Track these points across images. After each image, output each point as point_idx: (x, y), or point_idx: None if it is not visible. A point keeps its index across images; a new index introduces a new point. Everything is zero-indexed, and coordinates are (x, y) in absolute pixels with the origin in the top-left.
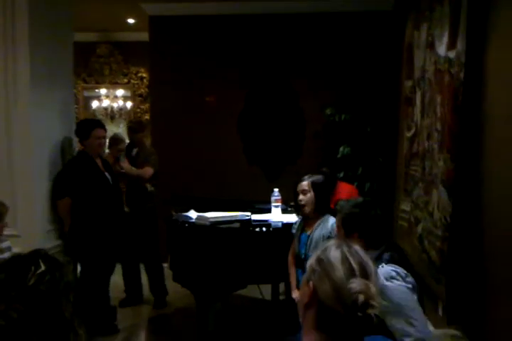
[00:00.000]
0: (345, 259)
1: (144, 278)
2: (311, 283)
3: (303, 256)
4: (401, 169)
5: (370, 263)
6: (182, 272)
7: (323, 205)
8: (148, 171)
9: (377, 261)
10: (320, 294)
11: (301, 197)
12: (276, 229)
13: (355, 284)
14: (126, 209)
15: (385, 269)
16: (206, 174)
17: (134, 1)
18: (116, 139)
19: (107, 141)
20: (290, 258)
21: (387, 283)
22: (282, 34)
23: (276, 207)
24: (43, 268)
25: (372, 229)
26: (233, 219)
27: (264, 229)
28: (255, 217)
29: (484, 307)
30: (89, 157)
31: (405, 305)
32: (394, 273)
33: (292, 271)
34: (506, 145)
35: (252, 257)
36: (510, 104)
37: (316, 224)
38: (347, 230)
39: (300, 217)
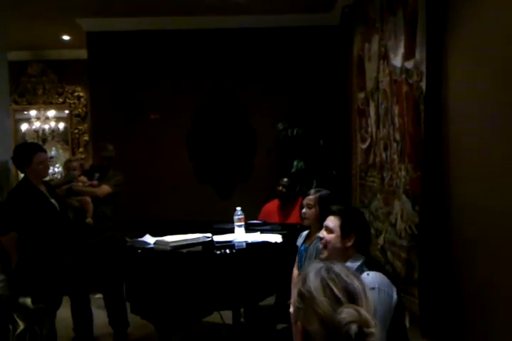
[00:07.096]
0: (326, 287)
1: (97, 312)
2: (298, 323)
3: (301, 268)
4: (355, 181)
5: (356, 282)
6: (141, 303)
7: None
8: (103, 189)
9: (359, 269)
10: (311, 334)
11: (305, 210)
12: (240, 250)
13: (344, 314)
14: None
15: (371, 280)
16: (155, 195)
17: (69, 17)
18: (68, 161)
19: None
20: (295, 271)
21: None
22: (230, 49)
23: (240, 226)
24: (21, 326)
25: (367, 232)
26: (195, 241)
27: (227, 250)
28: (217, 238)
29: (458, 318)
30: (33, 185)
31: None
32: (377, 286)
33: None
34: (471, 151)
35: (216, 282)
36: (472, 110)
37: (315, 237)
38: (345, 232)
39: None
